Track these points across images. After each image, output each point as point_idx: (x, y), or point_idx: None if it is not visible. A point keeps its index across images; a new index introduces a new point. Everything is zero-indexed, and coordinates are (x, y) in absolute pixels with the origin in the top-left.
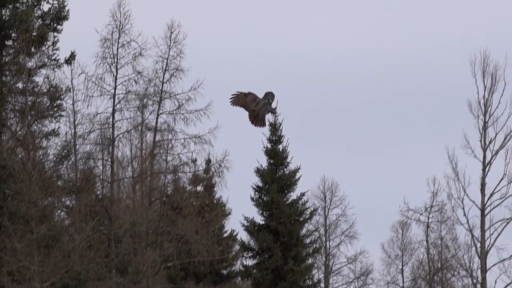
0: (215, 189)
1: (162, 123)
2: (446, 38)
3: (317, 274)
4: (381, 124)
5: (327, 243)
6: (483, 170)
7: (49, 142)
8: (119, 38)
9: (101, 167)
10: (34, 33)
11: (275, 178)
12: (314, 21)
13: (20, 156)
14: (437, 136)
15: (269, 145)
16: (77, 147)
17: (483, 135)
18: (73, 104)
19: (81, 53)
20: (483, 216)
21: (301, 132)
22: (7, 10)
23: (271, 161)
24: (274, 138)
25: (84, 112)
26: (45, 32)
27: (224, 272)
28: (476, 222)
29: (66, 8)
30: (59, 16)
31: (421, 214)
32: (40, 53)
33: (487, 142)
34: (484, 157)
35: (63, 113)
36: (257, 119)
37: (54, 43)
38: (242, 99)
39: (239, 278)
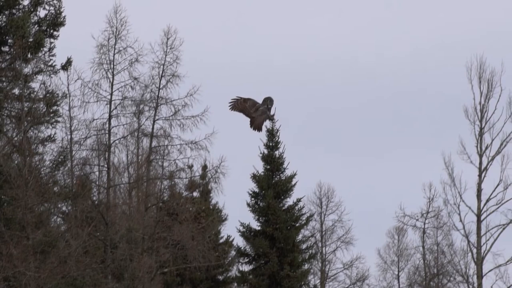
0: (211, 195)
1: (159, 129)
2: (442, 45)
3: (313, 280)
4: (377, 130)
5: (323, 248)
6: (479, 176)
7: (45, 148)
8: (115, 44)
9: (97, 173)
10: (31, 39)
11: (271, 184)
12: (313, 24)
13: (16, 162)
14: (433, 142)
15: (265, 151)
16: (73, 153)
17: (479, 141)
18: (69, 110)
19: (77, 59)
20: (479, 222)
21: (297, 137)
22: (3, 16)
23: (268, 167)
24: (271, 144)
25: (81, 118)
26: (41, 38)
27: (220, 277)
28: (472, 227)
29: (63, 14)
30: (55, 22)
31: (417, 220)
32: (37, 59)
33: (483, 148)
34: (480, 163)
35: (59, 119)
36: (254, 125)
37: (50, 49)
38: (241, 104)
39: (235, 284)
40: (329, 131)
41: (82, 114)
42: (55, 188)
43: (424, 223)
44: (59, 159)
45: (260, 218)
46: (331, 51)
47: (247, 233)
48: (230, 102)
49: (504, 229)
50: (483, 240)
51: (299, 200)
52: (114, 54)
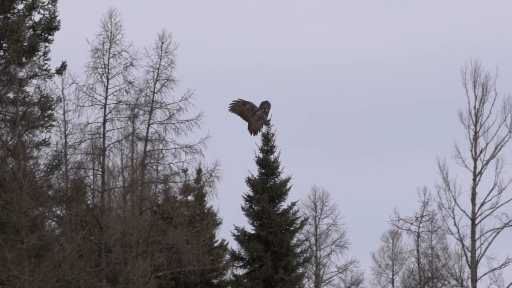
0: (205, 198)
1: (153, 133)
2: (437, 49)
3: (308, 284)
4: (372, 134)
5: (318, 252)
6: (474, 179)
7: (39, 152)
8: (110, 48)
9: (92, 177)
10: (25, 43)
11: (266, 188)
12: (311, 26)
13: (10, 166)
14: (428, 146)
15: (261, 155)
16: (68, 157)
17: (473, 145)
18: (64, 114)
19: (72, 63)
20: (473, 225)
21: (292, 141)
22: None
23: (262, 171)
24: (266, 148)
25: (75, 122)
26: (36, 42)
27: (215, 281)
28: (466, 231)
29: (57, 19)
30: (50, 26)
31: (411, 223)
32: (31, 63)
33: (477, 152)
34: (475, 167)
35: (54, 123)
36: (251, 129)
37: (45, 53)
38: (240, 107)
39: None
40: (324, 135)
41: (76, 118)
42: (50, 192)
43: (419, 227)
44: (54, 163)
45: (255, 222)
46: (331, 53)
47: (242, 236)
48: (230, 104)
49: (498, 233)
50: (477, 244)
51: (293, 204)
52: (109, 58)
